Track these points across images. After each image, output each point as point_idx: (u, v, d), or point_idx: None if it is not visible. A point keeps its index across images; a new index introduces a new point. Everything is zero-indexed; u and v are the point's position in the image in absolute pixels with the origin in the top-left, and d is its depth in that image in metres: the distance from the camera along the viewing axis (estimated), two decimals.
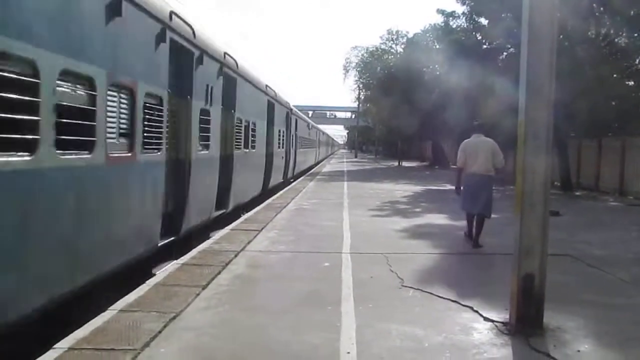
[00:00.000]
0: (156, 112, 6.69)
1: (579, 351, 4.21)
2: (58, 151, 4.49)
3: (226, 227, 9.79)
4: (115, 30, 5.50)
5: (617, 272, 6.89)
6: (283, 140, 20.28)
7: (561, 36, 16.43)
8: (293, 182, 22.33)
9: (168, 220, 7.53)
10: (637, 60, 21.29)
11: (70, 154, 4.76)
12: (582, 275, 6.81)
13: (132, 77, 5.97)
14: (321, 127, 57.32)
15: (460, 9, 27.38)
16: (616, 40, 20.12)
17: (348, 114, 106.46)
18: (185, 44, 7.79)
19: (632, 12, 18.42)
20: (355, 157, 69.23)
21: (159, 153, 6.85)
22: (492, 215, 8.58)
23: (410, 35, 44.01)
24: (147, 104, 6.41)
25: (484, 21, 25.63)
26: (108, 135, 5.39)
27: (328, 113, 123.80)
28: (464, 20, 28.24)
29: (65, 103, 4.64)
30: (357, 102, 61.84)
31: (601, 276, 6.79)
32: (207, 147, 9.05)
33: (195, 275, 6.19)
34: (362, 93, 54.99)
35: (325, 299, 5.42)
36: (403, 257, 7.52)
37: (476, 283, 6.29)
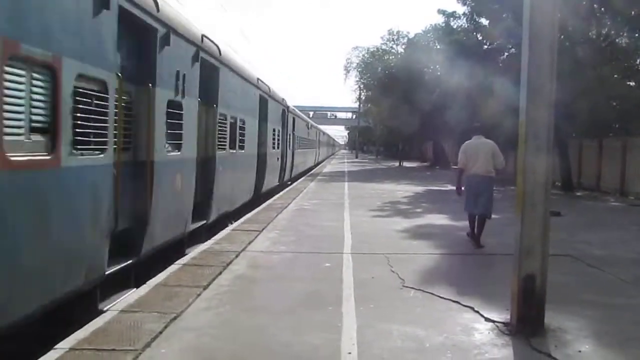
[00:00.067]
0: (96, 101, 5.17)
1: (580, 351, 4.20)
2: None
3: (227, 228, 9.78)
4: None
5: (617, 272, 6.89)
6: (278, 140, 18.75)
7: (562, 36, 16.44)
8: (291, 184, 21.31)
9: (123, 240, 6.13)
10: (638, 61, 21.30)
11: None
12: (582, 276, 6.81)
13: (52, 49, 4.44)
14: (322, 127, 57.27)
15: (461, 9, 27.47)
16: (617, 40, 20.12)
17: (349, 115, 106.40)
18: (144, 16, 6.30)
19: (632, 12, 18.42)
20: (356, 157, 69.26)
21: (101, 155, 5.31)
22: (493, 216, 8.59)
23: (411, 35, 44.05)
24: (81, 90, 4.90)
25: (484, 21, 25.67)
26: (5, 128, 3.93)
27: (329, 113, 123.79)
28: (464, 20, 28.31)
29: None
30: (357, 103, 61.85)
31: (602, 276, 6.78)
32: (178, 147, 7.58)
33: (196, 275, 6.19)
34: (362, 93, 54.97)
35: (326, 299, 5.42)
36: (404, 258, 7.52)
37: (477, 283, 6.29)
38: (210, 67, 9.27)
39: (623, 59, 20.28)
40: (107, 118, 5.34)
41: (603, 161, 20.31)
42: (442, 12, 30.29)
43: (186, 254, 7.55)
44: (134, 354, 3.88)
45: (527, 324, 4.55)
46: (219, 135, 9.97)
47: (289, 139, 22.16)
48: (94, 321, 4.57)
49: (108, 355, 3.85)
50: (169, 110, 7.11)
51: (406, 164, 46.61)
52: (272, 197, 15.80)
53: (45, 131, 4.47)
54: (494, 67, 21.03)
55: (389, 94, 39.11)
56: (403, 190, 19.74)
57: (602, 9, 19.24)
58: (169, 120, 7.10)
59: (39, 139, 4.39)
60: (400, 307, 5.25)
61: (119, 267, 5.87)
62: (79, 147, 4.91)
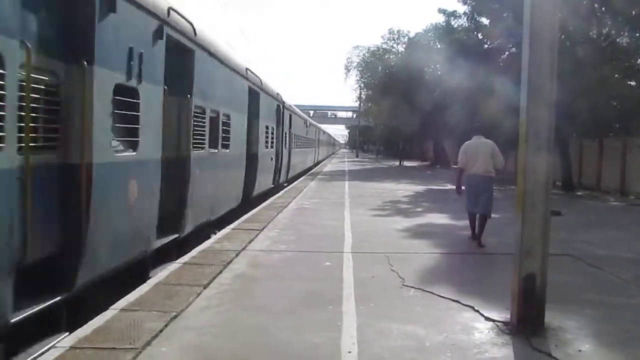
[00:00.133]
0: None
1: (580, 351, 4.21)
2: None
3: (227, 227, 9.78)
4: None
5: (618, 271, 6.89)
6: (273, 138, 17.20)
7: (562, 36, 16.43)
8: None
9: (46, 271, 4.75)
10: (639, 60, 21.27)
11: None
12: (583, 275, 6.81)
13: None
14: (322, 126, 57.22)
15: (461, 8, 27.50)
16: (617, 40, 20.11)
17: (349, 114, 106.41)
18: None
19: (633, 12, 18.41)
20: (357, 156, 69.24)
21: None
22: (494, 215, 8.61)
23: (411, 34, 44.13)
24: None
25: (485, 21, 25.68)
26: None
27: (329, 113, 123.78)
28: (465, 19, 28.36)
29: None
30: (358, 102, 61.83)
31: (602, 276, 6.78)
32: (132, 145, 6.00)
33: (196, 274, 6.19)
34: (363, 92, 54.96)
35: (327, 298, 5.42)
36: (404, 257, 7.52)
37: (477, 283, 6.29)
38: (181, 49, 7.69)
39: (624, 58, 20.27)
40: (3, 103, 3.89)
41: (603, 161, 20.34)
42: (442, 11, 30.34)
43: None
44: (134, 352, 3.88)
45: (527, 324, 4.55)
46: (195, 132, 8.40)
47: (285, 137, 20.63)
48: (94, 320, 4.57)
49: (108, 354, 3.85)
50: (117, 97, 5.45)
51: (407, 163, 46.63)
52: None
53: None
54: (494, 67, 21.04)
55: (389, 93, 39.10)
56: (403, 189, 19.74)
57: (603, 8, 19.23)
58: (117, 111, 5.49)
59: None
60: (400, 306, 5.25)
61: (37, 308, 4.40)
62: None
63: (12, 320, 4.10)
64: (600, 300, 5.63)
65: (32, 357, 4.21)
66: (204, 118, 8.93)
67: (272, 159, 17.35)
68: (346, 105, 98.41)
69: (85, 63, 4.93)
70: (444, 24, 31.28)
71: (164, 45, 6.82)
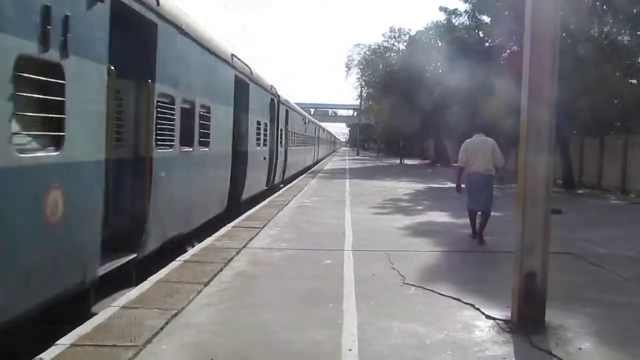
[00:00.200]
0: None
1: (580, 349, 4.21)
2: None
3: (228, 225, 9.78)
4: None
5: (619, 270, 6.89)
6: (266, 135, 15.56)
7: (563, 34, 16.40)
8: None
9: None
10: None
11: None
12: (584, 274, 6.81)
13: None
14: (322, 124, 57.15)
15: (462, 6, 27.56)
16: (618, 38, 20.09)
17: (350, 112, 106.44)
18: None
19: (634, 10, 18.38)
20: (357, 154, 69.30)
21: None
22: (494, 214, 8.63)
23: (412, 32, 44.07)
24: None
25: (486, 19, 25.66)
26: None
27: (330, 111, 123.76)
28: (466, 18, 28.40)
29: None
30: (359, 100, 61.81)
31: (603, 274, 6.78)
32: (53, 142, 4.42)
33: (197, 272, 6.19)
34: (364, 91, 54.96)
35: (327, 296, 5.43)
36: (405, 255, 7.52)
37: (478, 281, 6.29)
38: (137, 21, 6.17)
39: (624, 57, 20.25)
40: None
41: (604, 159, 20.32)
42: (443, 9, 30.39)
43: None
44: (135, 350, 3.88)
45: (527, 322, 4.55)
46: (161, 127, 6.82)
47: (281, 134, 18.98)
48: (95, 317, 4.58)
49: (109, 351, 3.86)
50: (20, 74, 3.94)
51: (407, 161, 46.62)
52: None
53: None
54: (495, 65, 21.02)
55: (390, 91, 39.10)
56: (404, 187, 19.74)
57: (604, 7, 19.20)
58: (23, 94, 4.00)
59: None
60: (400, 304, 5.25)
61: None
62: None
63: None
64: (601, 298, 5.64)
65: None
66: (173, 109, 7.31)
67: (265, 158, 15.76)
68: (347, 104, 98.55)
69: None
70: (445, 22, 31.33)
71: (107, 11, 5.23)
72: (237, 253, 7.30)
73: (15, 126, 3.97)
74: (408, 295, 5.59)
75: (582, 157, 21.90)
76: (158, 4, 6.51)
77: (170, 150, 7.27)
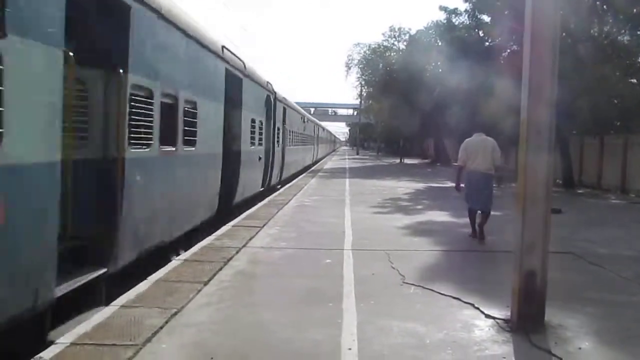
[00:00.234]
0: None
1: (580, 348, 4.21)
2: None
3: (228, 224, 9.78)
4: None
5: (619, 269, 6.89)
6: (261, 134, 14.79)
7: (563, 34, 16.40)
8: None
9: None
10: (639, 58, 21.26)
11: None
12: (583, 273, 6.81)
13: None
14: (322, 124, 57.15)
15: (462, 6, 27.62)
16: (618, 38, 20.09)
17: (350, 111, 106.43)
18: None
19: (634, 10, 18.38)
20: (357, 154, 69.33)
21: None
22: (494, 213, 8.63)
23: (412, 32, 44.05)
24: None
25: (486, 18, 25.66)
26: None
27: (330, 110, 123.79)
28: (466, 17, 28.42)
29: None
30: (359, 99, 61.79)
31: (603, 274, 6.78)
32: None
33: (197, 271, 6.19)
34: (364, 90, 54.94)
35: (327, 295, 5.43)
36: (404, 254, 7.52)
37: (478, 280, 6.29)
38: (104, 1, 5.62)
39: (625, 57, 20.25)
40: None
41: (604, 159, 20.33)
42: (443, 8, 30.41)
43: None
44: (134, 349, 3.88)
45: (527, 321, 4.55)
46: (135, 123, 6.07)
47: (278, 133, 18.12)
48: (95, 316, 4.58)
49: (109, 350, 3.86)
50: None
51: (407, 160, 46.62)
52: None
53: None
54: (495, 64, 21.03)
55: (390, 90, 39.10)
56: (404, 187, 19.74)
57: (604, 7, 19.20)
58: None
59: None
60: (400, 304, 5.25)
61: None
62: None
63: None
64: (601, 298, 5.64)
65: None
66: (151, 104, 6.53)
67: (260, 158, 14.85)
68: (347, 103, 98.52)
69: None
70: (445, 21, 31.33)
71: None
72: (237, 252, 7.29)
73: None
74: (408, 294, 5.59)
75: (582, 157, 21.91)
76: None
77: (148, 150, 6.51)
